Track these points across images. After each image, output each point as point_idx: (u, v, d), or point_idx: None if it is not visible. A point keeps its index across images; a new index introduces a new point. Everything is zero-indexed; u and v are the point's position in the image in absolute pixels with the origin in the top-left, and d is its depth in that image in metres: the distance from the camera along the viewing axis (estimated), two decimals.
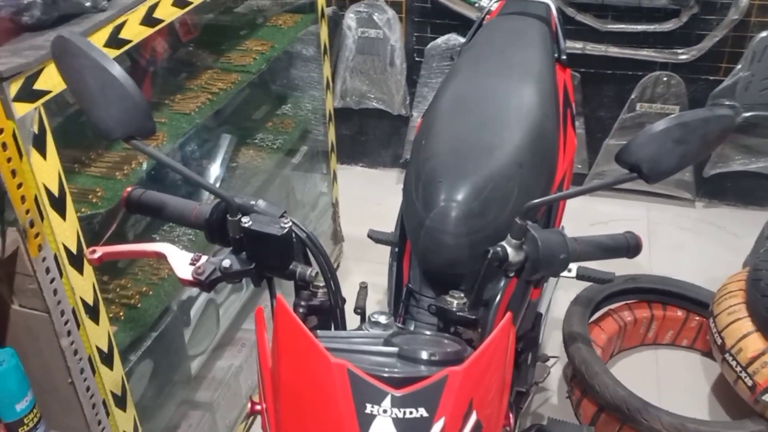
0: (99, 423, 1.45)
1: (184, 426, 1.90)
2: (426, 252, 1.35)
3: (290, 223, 0.95)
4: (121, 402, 1.48)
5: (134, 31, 1.37)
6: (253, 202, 0.99)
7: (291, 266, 0.98)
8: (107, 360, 1.42)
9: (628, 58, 2.85)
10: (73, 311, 1.31)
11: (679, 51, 2.79)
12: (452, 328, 1.05)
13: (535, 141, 1.48)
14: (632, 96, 2.92)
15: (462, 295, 1.05)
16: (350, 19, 3.04)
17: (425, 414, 0.78)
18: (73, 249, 1.27)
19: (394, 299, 1.59)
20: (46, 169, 1.17)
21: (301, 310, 1.00)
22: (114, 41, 1.31)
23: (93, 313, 1.35)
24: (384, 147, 3.41)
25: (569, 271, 2.00)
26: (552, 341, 2.41)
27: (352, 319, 1.13)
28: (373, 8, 3.01)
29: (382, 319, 1.07)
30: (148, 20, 1.40)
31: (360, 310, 1.72)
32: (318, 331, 0.97)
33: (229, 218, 0.96)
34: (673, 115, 0.91)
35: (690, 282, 2.36)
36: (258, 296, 2.25)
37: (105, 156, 1.53)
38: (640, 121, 2.95)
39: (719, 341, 1.99)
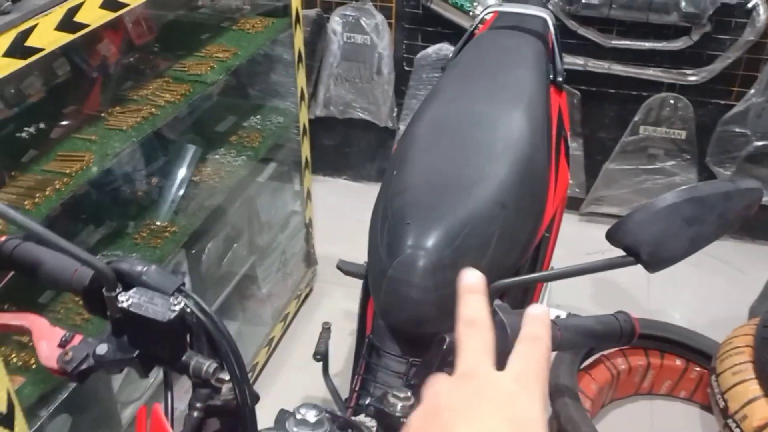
0: None
1: None
2: (387, 306, 1.16)
3: (182, 304, 0.72)
4: None
5: (48, 39, 1.15)
6: (140, 268, 0.76)
7: (184, 357, 0.75)
8: (6, 421, 1.21)
9: (633, 77, 2.62)
10: None
11: (689, 72, 2.57)
12: None
13: (522, 177, 1.29)
14: (635, 118, 2.70)
15: (409, 394, 0.83)
16: (335, 23, 2.81)
17: None
18: None
19: (355, 352, 1.40)
20: None
21: (196, 414, 0.77)
22: (18, 50, 1.10)
23: None
24: (369, 160, 3.19)
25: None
26: None
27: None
28: (361, 12, 2.78)
29: (311, 416, 0.85)
30: (68, 25, 1.19)
31: (320, 356, 1.50)
32: None
33: (105, 293, 0.73)
34: (683, 188, 0.71)
35: (691, 328, 2.15)
36: None
37: (19, 179, 1.32)
38: (644, 145, 2.74)
39: (722, 403, 1.78)
